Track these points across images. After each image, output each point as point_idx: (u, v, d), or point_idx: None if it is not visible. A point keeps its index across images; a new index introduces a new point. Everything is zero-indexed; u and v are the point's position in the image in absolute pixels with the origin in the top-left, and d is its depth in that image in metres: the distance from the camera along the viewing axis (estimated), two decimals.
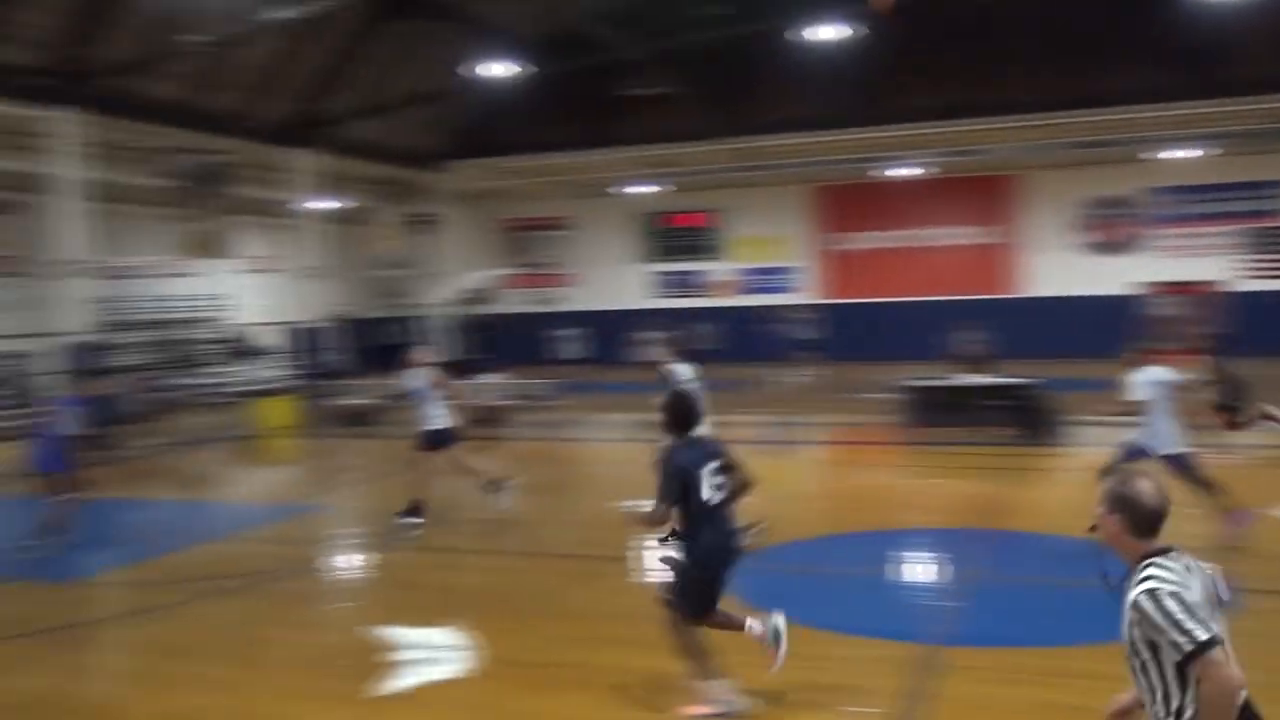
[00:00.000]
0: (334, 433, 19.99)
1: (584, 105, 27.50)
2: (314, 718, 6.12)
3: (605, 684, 6.22)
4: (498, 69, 21.02)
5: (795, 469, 14.86)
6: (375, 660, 6.99)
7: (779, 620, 5.80)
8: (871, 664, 6.49)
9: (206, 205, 22.02)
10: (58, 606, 8.67)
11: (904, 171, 28.94)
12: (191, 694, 6.51)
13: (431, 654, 7.31)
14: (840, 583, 8.58)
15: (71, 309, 19.27)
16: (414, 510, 10.77)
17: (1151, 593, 2.89)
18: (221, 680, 6.74)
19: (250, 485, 16.29)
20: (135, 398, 20.06)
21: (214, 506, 13.69)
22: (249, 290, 30.51)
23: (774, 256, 32.03)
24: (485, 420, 16.44)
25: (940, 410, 15.67)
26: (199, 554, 10.37)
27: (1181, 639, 2.82)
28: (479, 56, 20.70)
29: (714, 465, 5.60)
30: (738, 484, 5.75)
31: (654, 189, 31.60)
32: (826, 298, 31.18)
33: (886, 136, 26.01)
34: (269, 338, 28.70)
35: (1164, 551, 3.02)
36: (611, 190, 32.07)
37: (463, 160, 29.69)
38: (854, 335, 29.47)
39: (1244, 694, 2.91)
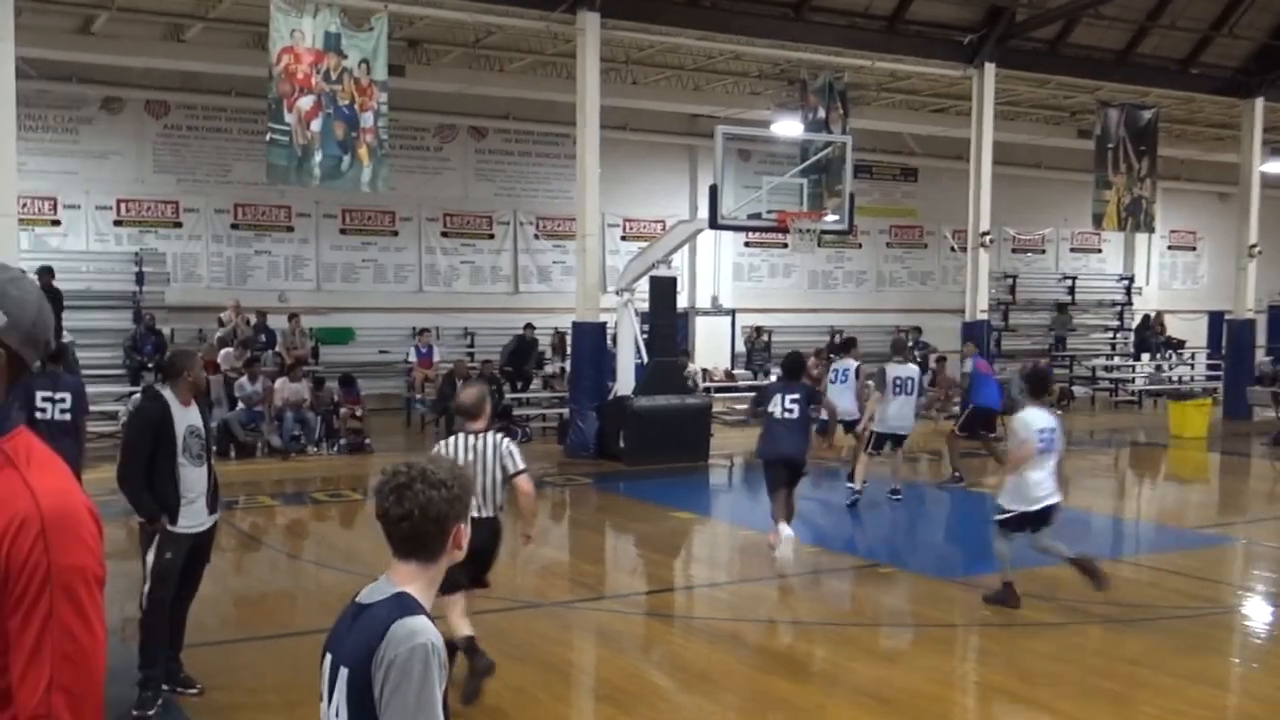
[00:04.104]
0: (1258, 451, 19.08)
1: None
2: None
3: None
4: None
5: None
6: None
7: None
8: None
9: (1130, 170, 21.98)
10: (933, 602, 9.44)
11: None
12: None
13: None
14: None
15: (972, 284, 20.63)
16: None
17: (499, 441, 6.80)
18: (1069, 716, 6.78)
19: (1148, 502, 16.07)
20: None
21: (1104, 520, 13.74)
22: (1165, 271, 30.01)
23: None
24: None
25: None
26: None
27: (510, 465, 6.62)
28: None
29: None
30: None
31: None
32: None
33: None
34: (1185, 329, 27.89)
35: (470, 433, 6.66)
36: None
37: None
38: None
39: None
